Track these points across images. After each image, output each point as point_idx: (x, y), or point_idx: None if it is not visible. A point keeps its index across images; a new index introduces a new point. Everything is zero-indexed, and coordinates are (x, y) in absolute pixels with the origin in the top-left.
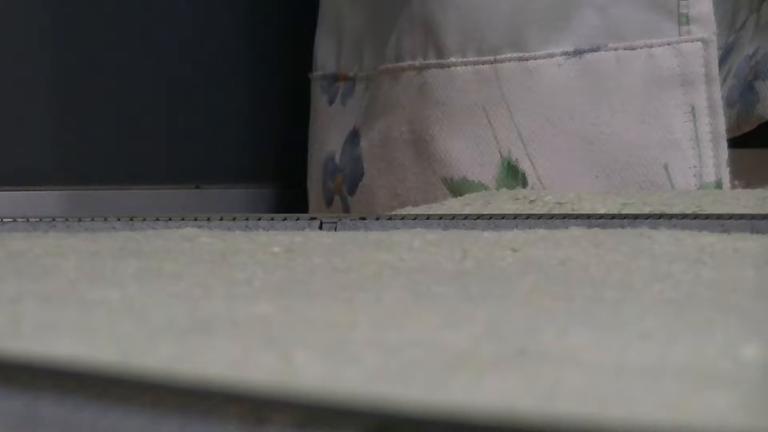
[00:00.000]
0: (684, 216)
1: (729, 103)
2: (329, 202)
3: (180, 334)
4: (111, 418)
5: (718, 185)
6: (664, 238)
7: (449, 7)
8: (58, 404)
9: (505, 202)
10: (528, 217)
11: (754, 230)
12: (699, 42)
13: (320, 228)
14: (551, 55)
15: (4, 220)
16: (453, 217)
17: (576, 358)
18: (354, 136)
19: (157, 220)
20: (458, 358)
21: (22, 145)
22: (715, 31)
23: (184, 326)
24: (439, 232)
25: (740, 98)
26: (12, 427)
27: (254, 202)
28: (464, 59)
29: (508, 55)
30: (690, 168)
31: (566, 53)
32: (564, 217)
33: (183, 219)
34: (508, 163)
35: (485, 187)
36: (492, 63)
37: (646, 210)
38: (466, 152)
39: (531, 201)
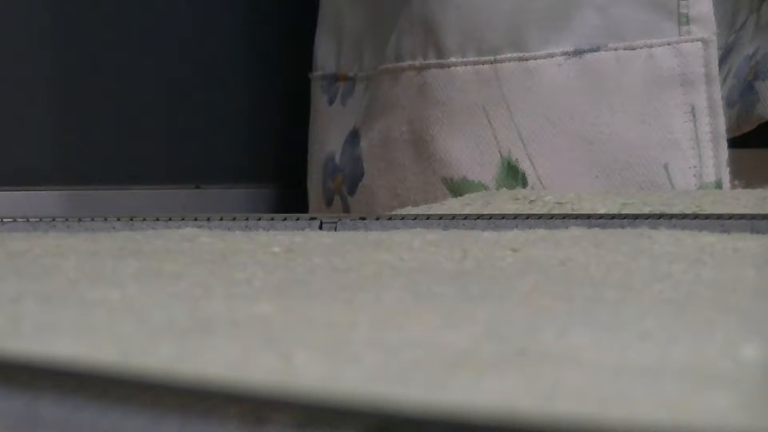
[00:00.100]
0: (684, 216)
1: (729, 103)
2: (329, 202)
3: (180, 334)
4: (111, 418)
5: (718, 185)
6: (664, 238)
7: (449, 7)
8: (58, 404)
9: (505, 202)
10: (528, 217)
11: (754, 230)
12: (699, 42)
13: (320, 228)
14: (551, 55)
15: (4, 220)
16: (453, 217)
17: (576, 358)
18: (354, 136)
19: (157, 220)
20: (458, 358)
21: (22, 145)
22: (715, 31)
23: (184, 326)
24: (439, 232)
25: (740, 98)
26: (12, 427)
27: (254, 202)
28: (464, 59)
29: (508, 55)
30: (690, 168)
31: (566, 53)
32: (564, 217)
33: (183, 219)
34: (508, 163)
35: (485, 187)
36: (492, 63)
37: (646, 210)
38: (466, 152)
39: (531, 201)
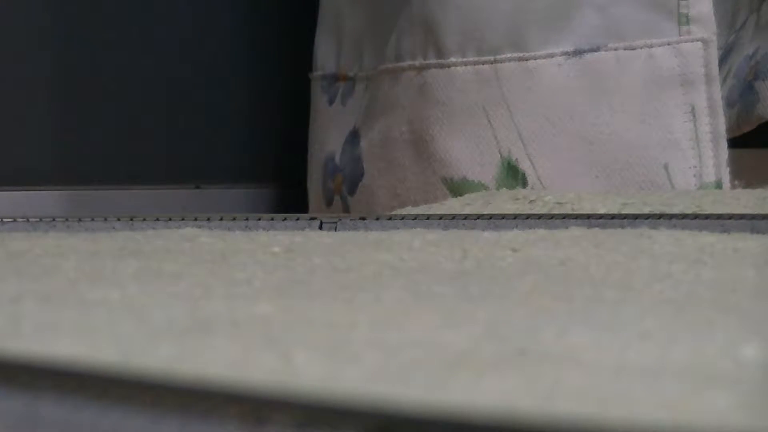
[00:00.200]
0: (684, 216)
1: (729, 103)
2: (329, 202)
3: (180, 334)
4: (111, 418)
5: (718, 185)
6: (664, 238)
7: (449, 7)
8: (58, 404)
9: (505, 202)
10: (528, 217)
11: (754, 230)
12: (699, 42)
13: (320, 228)
14: (551, 55)
15: (4, 220)
16: (453, 217)
17: (576, 358)
18: (354, 136)
19: (157, 220)
20: (458, 358)
21: (22, 145)
22: (715, 31)
23: (184, 326)
24: (439, 232)
25: (740, 98)
26: (12, 427)
27: (254, 202)
28: (464, 59)
29: (508, 55)
30: (690, 168)
31: (566, 53)
32: (564, 217)
33: (183, 219)
34: (508, 163)
35: (485, 187)
36: (492, 63)
37: (646, 210)
38: (466, 152)
39: (531, 201)
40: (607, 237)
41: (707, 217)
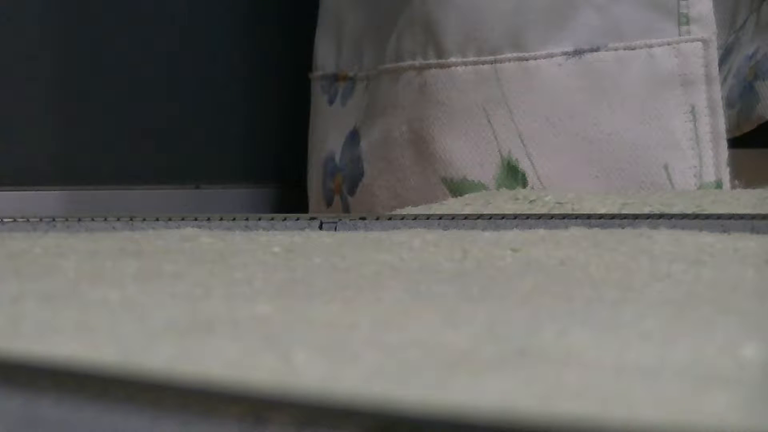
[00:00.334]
0: (684, 216)
1: (729, 103)
2: (329, 202)
3: (180, 334)
4: (111, 418)
5: (718, 185)
6: (664, 238)
7: (449, 7)
8: (57, 404)
9: (505, 202)
10: (528, 217)
11: (754, 230)
12: (699, 42)
13: (320, 228)
14: (551, 55)
15: (4, 220)
16: (453, 217)
17: (576, 358)
18: (354, 136)
19: (157, 220)
20: (458, 358)
21: (22, 145)
22: (715, 31)
23: (184, 326)
24: (439, 232)
25: (740, 98)
26: (12, 427)
27: (254, 202)
28: (464, 59)
29: (508, 55)
30: (690, 168)
31: (566, 53)
32: (564, 217)
33: (183, 219)
34: (508, 163)
35: (485, 187)
36: (492, 63)
37: (646, 210)
38: (466, 152)
39: (531, 201)
40: (607, 237)
41: (707, 217)
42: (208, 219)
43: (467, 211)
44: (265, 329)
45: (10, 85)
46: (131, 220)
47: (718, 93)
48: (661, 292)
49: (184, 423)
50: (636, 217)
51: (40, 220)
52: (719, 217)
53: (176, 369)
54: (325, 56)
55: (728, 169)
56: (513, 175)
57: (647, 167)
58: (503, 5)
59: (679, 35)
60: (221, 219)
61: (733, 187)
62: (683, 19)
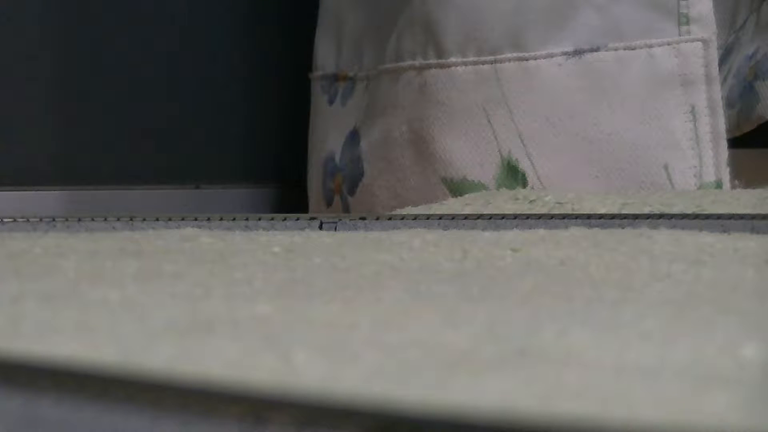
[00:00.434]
0: (684, 216)
1: (729, 103)
2: (329, 202)
3: (180, 334)
4: (111, 418)
5: (718, 185)
6: (664, 238)
7: (449, 7)
8: (57, 404)
9: (505, 202)
10: (528, 217)
11: (754, 230)
12: (699, 42)
13: (320, 228)
14: (551, 55)
15: (4, 220)
16: (453, 217)
17: (576, 358)
18: (354, 136)
19: (157, 220)
20: (458, 358)
21: (22, 145)
22: (715, 31)
23: (184, 326)
24: (439, 232)
25: (740, 98)
26: (12, 427)
27: (254, 202)
28: (464, 59)
29: (508, 55)
30: (690, 168)
31: (566, 53)
32: (564, 217)
33: (183, 219)
34: (508, 163)
35: (485, 187)
36: (492, 63)
37: (646, 210)
38: (466, 152)
39: (531, 201)
40: (607, 237)
41: (707, 217)
42: (208, 219)
43: (467, 211)
44: (265, 329)
45: (10, 85)
46: (131, 220)
47: (718, 93)
48: (661, 292)
49: (184, 423)
50: (636, 217)
51: (40, 220)
52: (719, 217)
53: (176, 369)
54: (325, 56)
55: (728, 169)
56: (513, 175)
57: (647, 167)
58: (503, 5)
59: (679, 35)
60: (221, 219)
61: (733, 187)
62: (683, 19)
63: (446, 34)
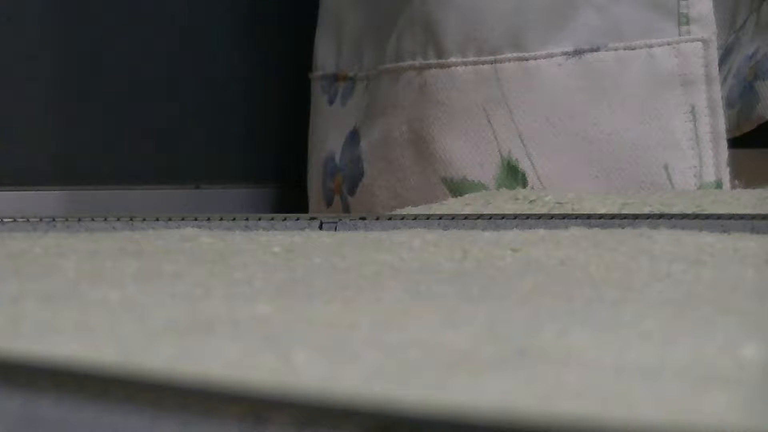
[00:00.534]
0: (684, 216)
1: (729, 103)
2: (329, 202)
3: (180, 334)
4: (111, 418)
5: (718, 185)
6: (664, 238)
7: (449, 7)
8: (57, 404)
9: (505, 202)
10: (528, 217)
11: (754, 230)
12: (699, 42)
13: (320, 228)
14: (551, 55)
15: (4, 220)
16: (453, 217)
17: (576, 358)
18: (354, 136)
19: (157, 220)
20: (458, 358)
21: (22, 145)
22: (715, 31)
23: (184, 326)
24: (439, 232)
25: (740, 98)
26: (12, 427)
27: (254, 202)
28: (464, 59)
29: (508, 55)
30: (690, 168)
31: (566, 53)
32: (564, 217)
33: (183, 219)
34: (508, 163)
35: (485, 187)
36: (492, 63)
37: (646, 210)
38: (466, 152)
39: (531, 201)
40: (607, 237)
41: (707, 217)
42: (208, 219)
43: (467, 211)
44: (265, 329)
45: (10, 85)
46: (131, 220)
47: (718, 93)
48: (661, 292)
49: (184, 423)
50: (636, 217)
51: (40, 220)
52: (719, 217)
53: (176, 369)
54: (325, 56)
55: (728, 169)
56: (513, 175)
57: (647, 167)
58: (503, 5)
59: (679, 35)
60: (221, 219)
61: (733, 187)
62: (683, 19)
63: (446, 34)
